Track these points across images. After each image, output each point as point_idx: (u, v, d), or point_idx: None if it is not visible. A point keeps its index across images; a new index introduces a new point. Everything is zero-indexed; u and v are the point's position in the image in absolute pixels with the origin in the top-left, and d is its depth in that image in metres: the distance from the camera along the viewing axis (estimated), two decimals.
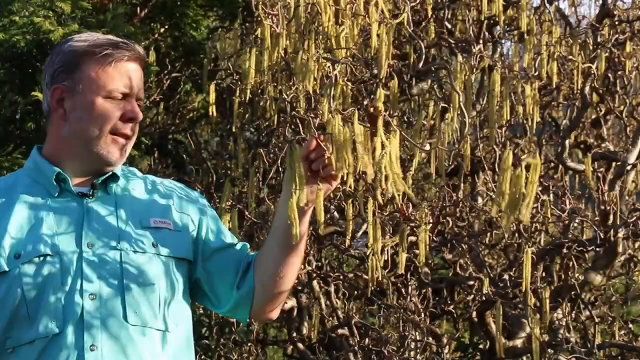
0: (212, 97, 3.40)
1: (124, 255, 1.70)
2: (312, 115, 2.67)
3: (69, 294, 1.64)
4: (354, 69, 2.94)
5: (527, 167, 1.73)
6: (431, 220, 2.83)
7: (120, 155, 1.74)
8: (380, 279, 2.29)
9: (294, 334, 3.79)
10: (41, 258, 1.65)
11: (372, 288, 2.68)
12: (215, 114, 3.42)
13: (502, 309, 3.16)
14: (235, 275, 1.80)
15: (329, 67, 2.35)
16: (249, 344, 4.12)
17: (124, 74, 1.73)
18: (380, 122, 1.65)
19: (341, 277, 3.56)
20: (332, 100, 1.86)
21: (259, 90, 3.18)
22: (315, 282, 3.60)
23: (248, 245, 1.89)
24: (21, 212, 1.69)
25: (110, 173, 1.76)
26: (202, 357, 3.91)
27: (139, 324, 1.67)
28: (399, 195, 1.69)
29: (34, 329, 1.63)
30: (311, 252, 3.53)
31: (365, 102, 3.01)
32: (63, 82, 1.72)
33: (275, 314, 1.89)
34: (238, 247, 1.85)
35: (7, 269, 1.63)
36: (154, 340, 1.69)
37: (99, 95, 1.71)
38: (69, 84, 1.72)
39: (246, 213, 3.23)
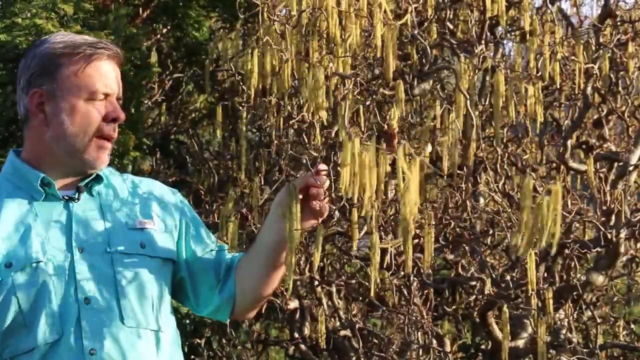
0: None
1: (115, 257, 1.68)
2: (310, 144, 2.69)
3: (64, 300, 1.62)
4: (358, 71, 2.94)
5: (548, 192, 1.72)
6: (434, 223, 2.83)
7: (104, 158, 1.72)
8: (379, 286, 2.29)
9: (296, 335, 3.79)
10: (33, 265, 1.62)
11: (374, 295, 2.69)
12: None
13: (504, 309, 3.16)
14: (216, 278, 1.81)
15: (338, 82, 2.36)
16: (250, 345, 4.12)
17: (104, 74, 1.69)
18: (401, 151, 1.65)
19: (343, 283, 3.56)
20: (345, 120, 1.86)
21: (262, 91, 3.18)
22: (316, 283, 3.60)
23: (226, 247, 1.90)
24: (7, 219, 1.65)
25: (95, 175, 1.74)
26: (203, 357, 3.91)
27: (135, 325, 1.67)
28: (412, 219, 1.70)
29: (32, 337, 1.61)
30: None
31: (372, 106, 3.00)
32: (41, 85, 1.69)
33: (253, 314, 1.93)
34: (218, 248, 1.86)
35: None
36: (150, 341, 1.69)
37: (80, 97, 1.67)
38: (48, 88, 1.68)
39: (249, 218, 3.23)
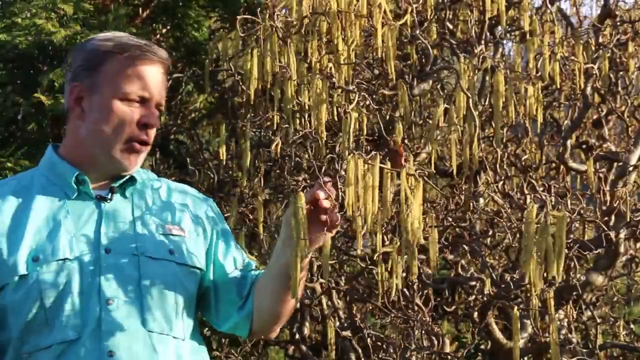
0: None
1: (142, 260, 1.66)
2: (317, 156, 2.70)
3: (86, 299, 1.61)
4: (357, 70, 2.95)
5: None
6: (434, 224, 2.83)
7: (134, 161, 1.70)
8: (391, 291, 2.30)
9: (296, 335, 3.79)
10: (60, 262, 1.61)
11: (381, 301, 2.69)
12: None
13: (503, 310, 3.17)
14: (238, 295, 1.79)
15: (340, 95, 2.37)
16: (250, 345, 4.12)
17: (144, 78, 1.68)
18: (404, 174, 1.66)
19: (346, 285, 3.56)
20: (349, 138, 1.87)
21: (261, 91, 3.19)
22: (317, 284, 3.59)
23: (254, 264, 1.87)
24: (39, 214, 1.64)
25: (129, 176, 1.73)
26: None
27: (157, 330, 1.65)
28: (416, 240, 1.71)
29: (52, 334, 1.59)
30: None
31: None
32: (83, 80, 1.68)
33: (273, 334, 1.90)
34: (245, 264, 1.84)
35: (25, 273, 1.60)
36: (170, 348, 1.67)
37: (117, 97, 1.66)
38: (88, 83, 1.68)
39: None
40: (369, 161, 1.69)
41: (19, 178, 1.74)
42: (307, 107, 2.69)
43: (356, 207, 1.67)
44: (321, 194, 1.65)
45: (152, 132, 1.72)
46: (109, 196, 1.70)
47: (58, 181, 1.69)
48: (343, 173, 1.68)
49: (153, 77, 1.70)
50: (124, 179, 1.72)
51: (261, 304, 1.77)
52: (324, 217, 1.67)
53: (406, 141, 3.54)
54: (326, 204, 1.65)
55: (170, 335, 1.67)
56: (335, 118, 2.86)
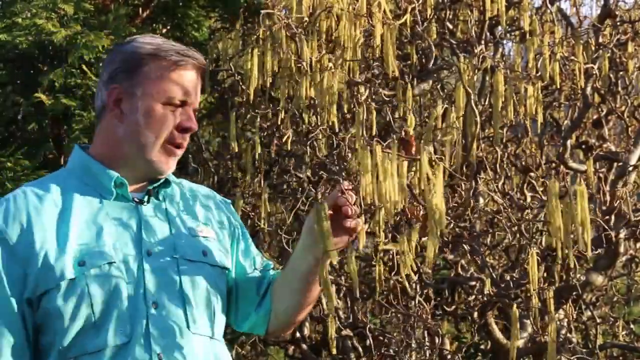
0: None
1: (180, 263, 1.67)
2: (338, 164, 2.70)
3: (134, 303, 1.60)
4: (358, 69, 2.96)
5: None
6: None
7: (171, 164, 1.71)
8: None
9: (296, 335, 3.79)
10: (106, 266, 1.59)
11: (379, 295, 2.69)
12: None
13: (503, 310, 3.17)
14: (257, 294, 1.80)
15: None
16: (250, 345, 4.12)
17: (185, 82, 1.69)
18: (425, 157, 1.66)
19: (343, 287, 3.56)
20: (363, 126, 1.87)
21: (261, 91, 3.19)
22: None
23: (272, 264, 1.88)
24: (79, 217, 1.62)
25: (164, 180, 1.73)
26: None
27: (199, 332, 1.66)
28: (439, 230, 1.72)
29: (101, 338, 1.58)
30: None
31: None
32: (122, 82, 1.68)
33: (289, 332, 1.92)
34: (264, 265, 1.85)
35: (73, 277, 1.58)
36: (209, 350, 1.68)
37: (159, 101, 1.67)
38: (128, 86, 1.67)
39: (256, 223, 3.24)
40: (386, 149, 1.69)
41: (52, 181, 1.70)
42: (315, 103, 2.69)
43: (374, 196, 1.67)
44: (343, 200, 1.66)
45: (188, 136, 1.73)
46: (147, 199, 1.70)
47: (92, 183, 1.68)
48: (356, 165, 1.69)
49: (192, 81, 1.71)
50: (160, 182, 1.73)
51: (278, 305, 1.79)
52: (348, 223, 1.67)
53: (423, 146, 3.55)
54: (349, 211, 1.65)
55: (212, 337, 1.69)
56: (347, 114, 2.86)
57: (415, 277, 3.23)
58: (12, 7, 3.54)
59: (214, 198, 1.85)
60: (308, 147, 3.29)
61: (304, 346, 3.78)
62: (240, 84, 3.39)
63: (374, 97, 3.03)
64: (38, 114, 3.52)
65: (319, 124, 2.81)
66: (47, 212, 1.62)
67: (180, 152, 1.72)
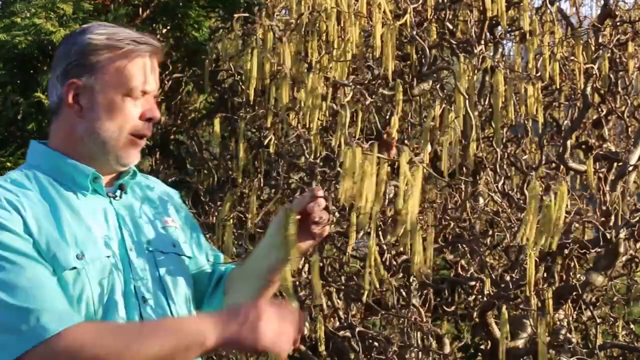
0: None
1: (156, 256, 1.66)
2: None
3: (128, 297, 1.60)
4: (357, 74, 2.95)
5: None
6: (433, 224, 2.83)
7: (136, 156, 1.67)
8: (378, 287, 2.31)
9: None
10: (104, 260, 1.58)
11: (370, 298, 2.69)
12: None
13: (503, 310, 3.16)
14: (208, 286, 1.80)
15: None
16: None
17: (145, 71, 1.64)
18: (404, 159, 1.67)
19: (342, 285, 3.56)
20: (345, 128, 1.88)
21: (261, 91, 3.19)
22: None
23: (222, 256, 1.88)
24: (65, 212, 1.58)
25: (132, 172, 1.71)
26: (204, 356, 3.90)
27: None
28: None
29: None
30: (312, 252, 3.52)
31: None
32: (79, 77, 1.62)
33: None
34: (214, 257, 1.85)
35: (77, 267, 1.54)
36: None
37: (119, 93, 1.62)
38: (86, 80, 1.62)
39: (248, 221, 3.24)
40: (367, 151, 1.69)
41: (20, 180, 1.63)
42: (301, 105, 2.69)
43: (351, 197, 1.67)
44: (313, 207, 1.65)
45: (152, 125, 1.69)
46: (119, 193, 1.68)
47: (64, 179, 1.63)
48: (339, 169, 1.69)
49: (151, 69, 1.66)
50: (128, 175, 1.71)
51: (232, 299, 1.77)
52: (315, 229, 1.67)
53: (406, 140, 3.55)
54: (316, 217, 1.65)
55: None
56: (329, 116, 2.86)
57: (412, 277, 3.23)
58: (11, 7, 3.54)
59: (167, 189, 1.84)
60: (303, 148, 3.29)
61: (303, 347, 3.78)
62: (240, 84, 3.39)
63: (373, 97, 3.03)
64: (37, 114, 3.52)
65: (306, 126, 2.81)
66: (32, 206, 1.57)
67: (144, 143, 1.68)
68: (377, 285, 2.33)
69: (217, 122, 3.46)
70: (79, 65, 1.63)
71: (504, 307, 2.42)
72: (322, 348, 3.32)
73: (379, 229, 2.97)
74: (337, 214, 3.48)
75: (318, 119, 2.58)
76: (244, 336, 1.49)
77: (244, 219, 3.44)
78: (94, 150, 1.64)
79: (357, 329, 3.40)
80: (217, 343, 1.49)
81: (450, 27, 3.57)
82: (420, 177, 1.70)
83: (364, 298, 2.11)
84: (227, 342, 1.50)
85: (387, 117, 3.18)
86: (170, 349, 1.47)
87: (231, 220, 3.15)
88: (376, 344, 3.47)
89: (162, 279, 1.66)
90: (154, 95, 1.69)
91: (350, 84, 2.51)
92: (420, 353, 3.35)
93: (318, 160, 3.08)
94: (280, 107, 2.85)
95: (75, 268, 1.54)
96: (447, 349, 3.53)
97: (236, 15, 3.04)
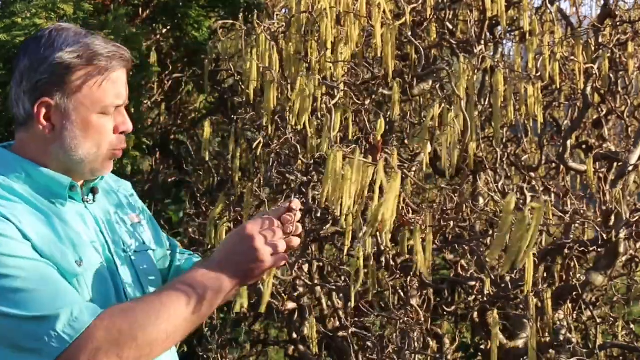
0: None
1: (132, 256, 1.68)
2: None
3: (120, 300, 1.61)
4: (355, 70, 2.95)
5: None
6: (432, 224, 2.83)
7: (111, 166, 1.68)
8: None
9: (296, 335, 3.79)
10: (99, 266, 1.59)
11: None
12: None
13: (503, 310, 3.16)
14: (167, 275, 1.82)
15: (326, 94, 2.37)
16: (250, 345, 4.12)
17: (117, 86, 1.63)
18: (381, 165, 1.68)
19: (340, 283, 3.56)
20: (331, 131, 1.89)
21: (260, 91, 3.19)
22: (316, 282, 3.60)
23: (178, 245, 1.92)
24: (56, 220, 1.58)
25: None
26: (203, 356, 3.91)
27: None
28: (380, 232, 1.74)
29: None
30: (312, 251, 3.53)
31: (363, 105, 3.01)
32: (51, 95, 1.59)
33: None
34: (171, 247, 1.88)
35: (79, 272, 1.55)
36: None
37: (94, 112, 1.61)
38: (59, 99, 1.59)
39: (244, 221, 3.24)
40: (349, 155, 1.71)
41: (5, 191, 1.58)
42: (291, 106, 2.70)
43: (332, 200, 1.69)
44: (287, 218, 1.63)
45: (125, 137, 1.69)
46: (93, 198, 1.69)
47: (40, 188, 1.61)
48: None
49: (123, 82, 1.66)
50: (98, 177, 1.70)
51: None
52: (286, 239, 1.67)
53: (406, 141, 3.55)
54: (289, 229, 1.64)
55: None
56: (320, 118, 2.86)
57: (411, 277, 3.23)
58: (11, 7, 3.54)
59: (119, 179, 1.85)
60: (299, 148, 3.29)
61: (303, 347, 3.78)
62: (240, 84, 3.39)
63: (370, 98, 3.03)
64: None
65: (299, 127, 2.81)
66: (30, 219, 1.55)
67: (120, 154, 1.68)
68: (376, 286, 2.33)
69: (207, 124, 3.46)
70: (49, 83, 1.59)
71: (495, 311, 2.42)
72: (315, 349, 3.32)
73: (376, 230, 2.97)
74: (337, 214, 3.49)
75: (309, 120, 2.58)
76: (250, 267, 1.57)
77: (239, 219, 3.44)
78: (69, 165, 1.63)
79: (350, 330, 3.40)
80: (232, 283, 1.56)
81: (450, 27, 3.57)
82: (398, 183, 1.71)
83: (351, 299, 2.13)
84: (238, 276, 1.56)
85: (386, 118, 3.18)
86: (195, 305, 1.52)
87: (225, 221, 3.15)
88: (369, 344, 3.47)
89: (140, 278, 1.67)
90: (125, 106, 1.68)
91: (338, 85, 2.51)
92: (403, 353, 3.35)
93: (312, 162, 3.08)
94: (266, 110, 2.86)
95: (76, 275, 1.54)
96: (447, 349, 3.53)
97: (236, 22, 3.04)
